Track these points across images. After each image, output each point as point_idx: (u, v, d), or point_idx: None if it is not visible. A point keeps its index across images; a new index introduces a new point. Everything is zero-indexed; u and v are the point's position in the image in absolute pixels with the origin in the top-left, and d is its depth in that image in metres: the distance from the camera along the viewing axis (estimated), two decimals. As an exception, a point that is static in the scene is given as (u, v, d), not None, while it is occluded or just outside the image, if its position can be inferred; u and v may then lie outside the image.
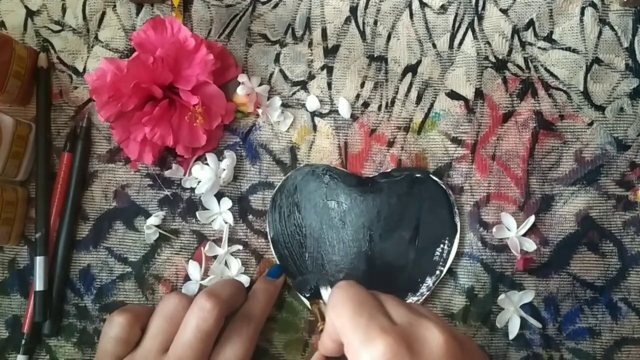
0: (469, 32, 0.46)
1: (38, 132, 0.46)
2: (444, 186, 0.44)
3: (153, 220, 0.45)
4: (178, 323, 0.39)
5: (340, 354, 0.35)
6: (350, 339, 0.30)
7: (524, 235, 0.44)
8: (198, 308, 0.38)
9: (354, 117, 0.46)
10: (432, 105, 0.45)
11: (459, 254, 0.44)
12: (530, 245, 0.44)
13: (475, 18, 0.46)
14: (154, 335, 0.39)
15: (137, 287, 0.45)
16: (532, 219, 0.44)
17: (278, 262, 0.45)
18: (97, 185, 0.46)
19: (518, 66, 0.45)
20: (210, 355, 0.39)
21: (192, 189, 0.46)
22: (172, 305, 0.40)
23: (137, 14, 0.47)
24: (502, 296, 0.43)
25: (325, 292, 0.44)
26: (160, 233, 0.45)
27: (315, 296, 0.44)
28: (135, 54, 0.42)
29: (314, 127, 0.46)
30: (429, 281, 0.44)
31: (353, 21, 0.46)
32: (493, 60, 0.45)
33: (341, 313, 0.32)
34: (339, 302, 0.32)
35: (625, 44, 0.45)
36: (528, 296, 0.43)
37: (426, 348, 0.29)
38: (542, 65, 0.45)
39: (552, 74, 0.45)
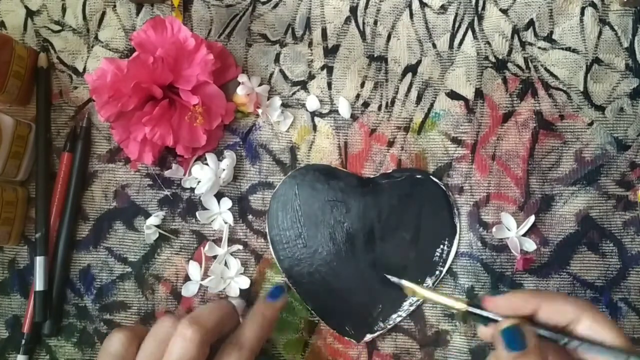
0: (469, 32, 0.46)
1: (38, 132, 0.46)
2: (444, 187, 0.44)
3: (153, 220, 0.45)
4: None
5: None
6: None
7: (524, 235, 0.44)
8: (180, 337, 0.37)
9: (354, 117, 0.46)
10: (432, 105, 0.45)
11: (458, 254, 0.44)
12: (530, 245, 0.44)
13: (475, 18, 0.46)
14: (143, 358, 0.38)
15: (137, 287, 0.45)
16: (532, 219, 0.44)
17: (277, 264, 0.45)
18: (97, 185, 0.46)
19: (518, 66, 0.45)
20: None
21: (192, 189, 0.46)
22: (164, 328, 0.39)
23: (137, 14, 0.47)
24: (502, 296, 0.43)
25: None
26: (160, 233, 0.45)
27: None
28: (135, 54, 0.42)
29: (314, 127, 0.46)
30: (429, 281, 0.44)
31: (353, 21, 0.46)
32: (493, 60, 0.45)
33: None
34: None
35: (625, 44, 0.45)
36: (528, 296, 0.43)
37: None
38: (542, 65, 0.45)
39: (552, 74, 0.45)
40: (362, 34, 0.46)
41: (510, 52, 0.45)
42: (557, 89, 0.45)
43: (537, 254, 0.44)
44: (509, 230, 0.44)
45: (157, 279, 0.45)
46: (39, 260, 0.44)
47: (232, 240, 0.45)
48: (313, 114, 0.46)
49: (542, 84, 0.45)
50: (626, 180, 0.44)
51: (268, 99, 0.46)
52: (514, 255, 0.44)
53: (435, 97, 0.45)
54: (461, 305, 0.35)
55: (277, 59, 0.47)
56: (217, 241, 0.45)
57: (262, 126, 0.46)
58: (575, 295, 0.43)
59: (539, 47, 0.45)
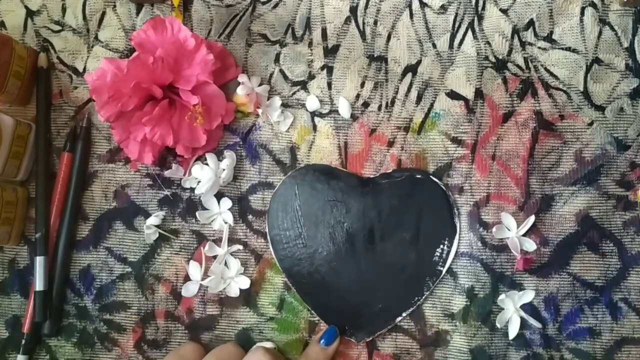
0: (469, 32, 0.46)
1: (38, 132, 0.46)
2: (444, 187, 0.44)
3: (153, 220, 0.45)
4: None
5: None
6: None
7: (524, 235, 0.44)
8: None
9: (354, 117, 0.46)
10: (432, 105, 0.45)
11: (458, 254, 0.44)
12: (530, 245, 0.44)
13: (475, 18, 0.46)
14: None
15: (137, 287, 0.45)
16: (532, 219, 0.44)
17: (277, 264, 0.45)
18: (97, 185, 0.46)
19: (518, 66, 0.45)
20: None
21: (192, 189, 0.46)
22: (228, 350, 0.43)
23: (137, 14, 0.47)
24: (502, 296, 0.43)
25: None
26: (160, 233, 0.45)
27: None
28: (135, 54, 0.42)
29: (314, 127, 0.46)
30: (429, 281, 0.44)
31: (353, 21, 0.46)
32: (493, 60, 0.45)
33: None
34: None
35: (625, 44, 0.45)
36: (528, 296, 0.43)
37: None
38: (542, 65, 0.45)
39: (552, 74, 0.45)
40: (362, 34, 0.46)
41: (510, 52, 0.45)
42: (557, 89, 0.45)
43: (537, 254, 0.44)
44: (509, 230, 0.44)
45: (157, 279, 0.45)
46: (39, 260, 0.44)
47: (232, 240, 0.45)
48: (313, 114, 0.46)
49: (542, 84, 0.45)
50: (626, 180, 0.44)
51: (268, 99, 0.46)
52: (514, 255, 0.44)
53: (435, 97, 0.45)
54: None
55: (277, 59, 0.47)
56: (217, 241, 0.45)
57: (262, 126, 0.46)
58: (574, 294, 0.43)
59: (539, 47, 0.45)
